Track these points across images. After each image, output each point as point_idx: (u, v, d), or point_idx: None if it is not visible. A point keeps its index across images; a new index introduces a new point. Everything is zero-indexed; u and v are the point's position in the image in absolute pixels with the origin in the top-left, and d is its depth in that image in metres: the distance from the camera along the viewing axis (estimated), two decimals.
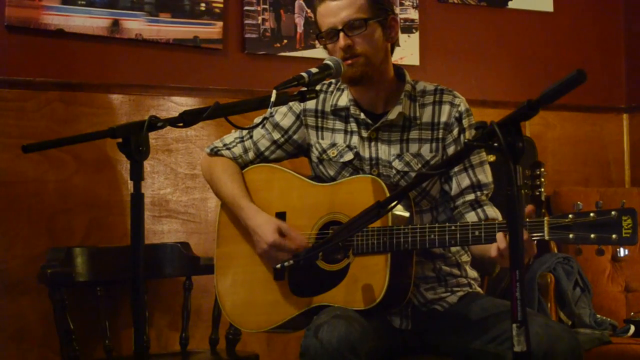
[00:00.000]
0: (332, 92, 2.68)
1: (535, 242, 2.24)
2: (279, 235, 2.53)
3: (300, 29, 3.93)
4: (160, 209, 3.66)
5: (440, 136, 2.59)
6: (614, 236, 2.12)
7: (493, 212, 2.58)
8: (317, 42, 2.59)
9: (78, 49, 3.58)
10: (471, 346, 2.46)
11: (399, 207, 2.46)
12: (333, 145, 2.65)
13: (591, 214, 2.15)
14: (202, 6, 3.76)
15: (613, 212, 2.13)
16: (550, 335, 2.31)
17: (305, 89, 2.34)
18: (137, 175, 1.98)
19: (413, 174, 2.56)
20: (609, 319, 3.76)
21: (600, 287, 3.98)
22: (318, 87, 2.63)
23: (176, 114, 2.15)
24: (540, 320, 2.36)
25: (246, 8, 3.85)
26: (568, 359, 2.30)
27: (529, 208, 2.25)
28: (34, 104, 3.48)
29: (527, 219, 2.22)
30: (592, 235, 2.14)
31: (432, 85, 2.65)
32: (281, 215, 2.63)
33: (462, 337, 2.49)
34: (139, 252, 1.98)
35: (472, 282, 2.67)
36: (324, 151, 2.66)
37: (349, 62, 2.48)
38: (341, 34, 2.49)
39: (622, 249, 2.14)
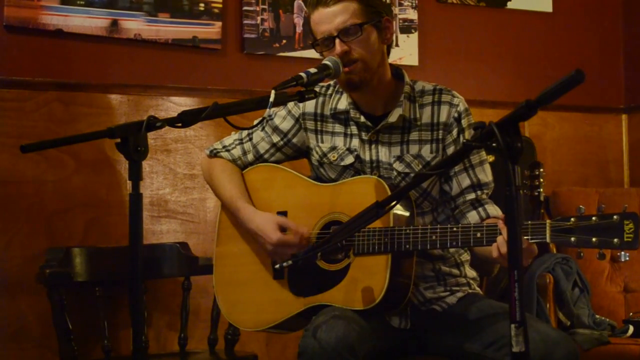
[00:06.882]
0: (331, 95, 2.67)
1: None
2: (280, 232, 2.53)
3: (299, 29, 3.93)
4: (159, 209, 3.65)
5: (440, 137, 2.58)
6: (615, 240, 2.10)
7: (494, 210, 2.58)
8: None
9: (77, 49, 3.58)
10: (469, 349, 2.46)
11: (400, 207, 2.45)
12: (333, 148, 2.64)
13: (593, 218, 2.13)
14: (201, 6, 3.76)
15: (615, 216, 2.11)
16: (547, 341, 2.30)
17: (304, 89, 2.34)
18: (136, 175, 1.98)
19: None
20: (607, 320, 3.76)
21: (599, 287, 3.98)
22: (317, 89, 2.63)
23: (175, 114, 2.15)
24: (537, 326, 2.35)
25: (245, 8, 3.84)
26: None
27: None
28: (33, 104, 3.48)
29: (530, 222, 2.21)
30: (594, 239, 2.12)
31: (431, 85, 2.64)
32: (282, 215, 2.62)
33: (459, 339, 2.49)
34: (138, 252, 1.98)
35: (471, 282, 2.67)
36: (325, 155, 2.65)
37: (347, 69, 2.47)
38: (337, 41, 2.47)
39: (623, 254, 2.13)
